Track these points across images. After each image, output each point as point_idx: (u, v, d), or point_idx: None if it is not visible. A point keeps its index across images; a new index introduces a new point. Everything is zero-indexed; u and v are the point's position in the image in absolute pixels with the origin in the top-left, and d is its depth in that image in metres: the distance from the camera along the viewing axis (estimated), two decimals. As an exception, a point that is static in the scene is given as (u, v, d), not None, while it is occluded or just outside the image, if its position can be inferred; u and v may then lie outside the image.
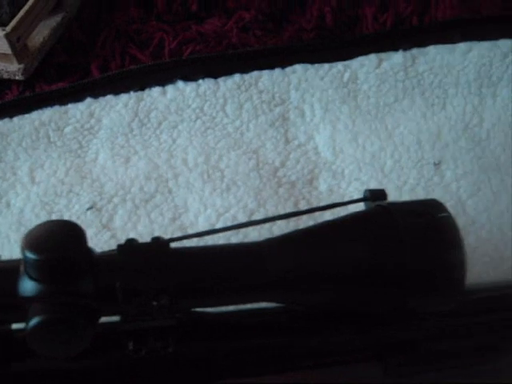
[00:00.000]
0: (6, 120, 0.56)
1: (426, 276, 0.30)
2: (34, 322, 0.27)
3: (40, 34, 0.63)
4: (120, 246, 0.29)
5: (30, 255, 0.27)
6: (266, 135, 0.55)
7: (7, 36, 0.58)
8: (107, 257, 0.30)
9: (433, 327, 0.35)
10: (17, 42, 0.59)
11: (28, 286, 0.28)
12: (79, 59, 0.63)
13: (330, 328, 0.34)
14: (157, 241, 0.30)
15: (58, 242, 0.28)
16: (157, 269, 0.29)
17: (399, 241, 0.30)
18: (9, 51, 0.59)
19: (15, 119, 0.56)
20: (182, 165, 0.54)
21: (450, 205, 0.51)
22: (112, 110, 0.56)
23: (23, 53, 0.61)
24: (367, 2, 0.67)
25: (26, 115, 0.57)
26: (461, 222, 0.51)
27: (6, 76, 0.61)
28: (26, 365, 0.31)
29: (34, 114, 0.57)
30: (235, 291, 0.30)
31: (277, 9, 0.66)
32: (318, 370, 0.34)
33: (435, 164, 0.55)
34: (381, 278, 0.30)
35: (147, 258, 0.29)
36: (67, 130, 0.56)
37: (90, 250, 0.29)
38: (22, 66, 0.61)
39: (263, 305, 0.33)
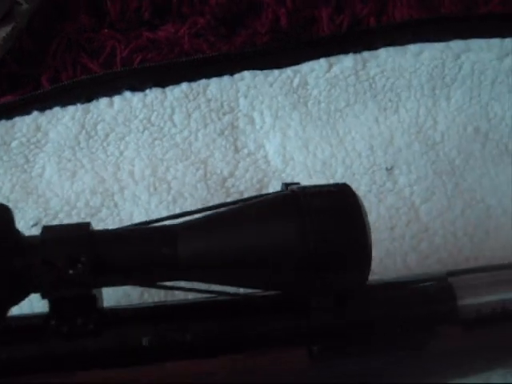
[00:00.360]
0: (-48, 135, 0.55)
1: (330, 257, 0.32)
2: None
3: (-10, 46, 0.61)
4: (44, 227, 0.33)
5: None
6: (214, 144, 0.54)
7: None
8: (32, 237, 0.33)
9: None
10: (-36, 55, 0.58)
11: None
12: (30, 70, 0.62)
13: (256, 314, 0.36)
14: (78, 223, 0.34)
15: None
16: (73, 241, 0.32)
17: (302, 223, 0.32)
18: (-44, 64, 0.58)
19: (-40, 134, 0.55)
20: (128, 177, 0.53)
21: (402, 211, 0.50)
22: (59, 123, 0.55)
23: (-29, 65, 0.59)
24: (323, 3, 0.65)
25: (-29, 130, 0.55)
26: (414, 228, 0.50)
27: (-46, 89, 0.60)
28: None
29: (-20, 129, 0.55)
30: (146, 270, 0.33)
31: (231, 13, 0.64)
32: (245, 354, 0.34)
33: (387, 169, 0.53)
34: (286, 261, 0.32)
35: (65, 233, 0.32)
36: (13, 144, 0.55)
37: (17, 231, 0.33)
38: (-30, 78, 0.59)
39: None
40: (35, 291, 0.33)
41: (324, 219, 0.32)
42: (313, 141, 0.54)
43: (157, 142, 0.54)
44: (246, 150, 0.54)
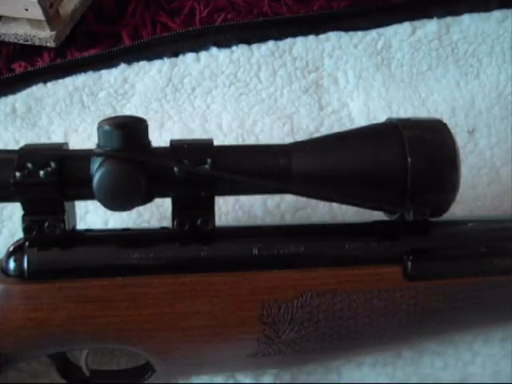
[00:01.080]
0: (40, 85, 0.56)
1: (424, 178, 0.37)
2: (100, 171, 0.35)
3: (71, 2, 0.62)
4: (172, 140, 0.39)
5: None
6: (299, 101, 0.55)
7: (40, 2, 0.57)
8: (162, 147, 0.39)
9: None
10: (49, 8, 0.59)
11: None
12: (110, 28, 0.63)
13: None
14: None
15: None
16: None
17: (402, 146, 0.37)
18: (41, 17, 0.59)
19: (49, 84, 0.56)
20: (216, 129, 0.54)
21: (483, 172, 0.51)
22: (146, 76, 0.56)
23: (55, 19, 0.60)
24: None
25: (60, 80, 0.56)
26: (495, 189, 0.51)
27: (37, 42, 0.61)
28: None
29: (68, 80, 0.56)
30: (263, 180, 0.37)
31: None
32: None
33: (469, 132, 0.54)
34: (385, 178, 0.37)
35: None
36: (101, 95, 0.56)
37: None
38: (53, 32, 0.60)
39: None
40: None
41: (420, 145, 0.37)
42: (395, 101, 0.55)
43: (243, 97, 0.55)
44: (330, 108, 0.55)
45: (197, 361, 0.39)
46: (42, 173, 0.36)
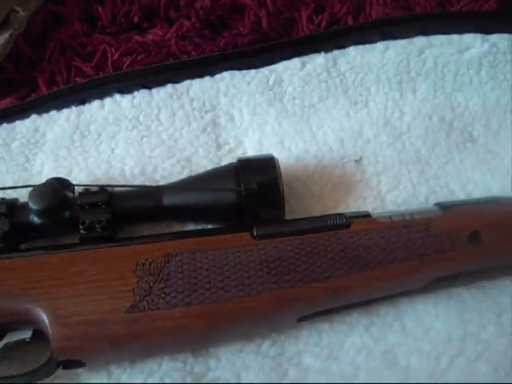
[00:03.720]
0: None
1: (256, 203, 0.48)
2: None
3: (-10, 52, 0.64)
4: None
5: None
6: (198, 141, 0.57)
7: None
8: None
9: None
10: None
11: None
12: (27, 74, 0.65)
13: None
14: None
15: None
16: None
17: (237, 181, 0.48)
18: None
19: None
20: (120, 176, 0.56)
21: (369, 201, 0.53)
22: (55, 124, 0.58)
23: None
24: (303, 4, 0.67)
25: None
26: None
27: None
28: None
29: (-16, 133, 0.58)
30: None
31: (215, 16, 0.66)
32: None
33: (356, 161, 0.56)
34: (228, 208, 0.49)
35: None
36: (14, 145, 0.58)
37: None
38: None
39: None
40: None
41: (251, 177, 0.48)
42: (288, 136, 0.56)
43: (145, 140, 0.57)
44: (227, 147, 0.56)
45: (83, 317, 0.44)
46: None
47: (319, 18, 0.66)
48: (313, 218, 0.49)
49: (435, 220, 0.49)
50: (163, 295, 0.45)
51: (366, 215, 0.49)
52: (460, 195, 0.55)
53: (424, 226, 0.48)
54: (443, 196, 0.54)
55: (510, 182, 0.55)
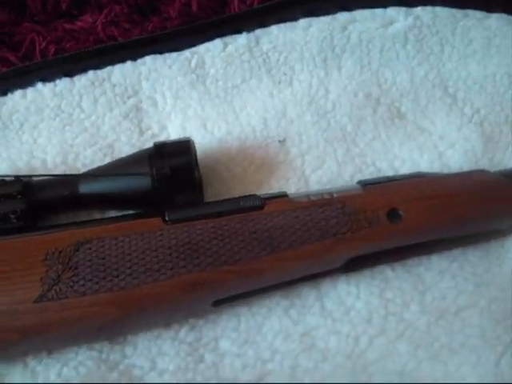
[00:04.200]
0: None
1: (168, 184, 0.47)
2: None
3: None
4: None
5: None
6: (120, 127, 0.55)
7: None
8: None
9: None
10: None
11: None
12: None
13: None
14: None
15: None
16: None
17: (151, 167, 0.47)
18: None
19: None
20: (41, 166, 0.55)
21: (292, 181, 0.51)
22: (-23, 116, 0.57)
23: None
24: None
25: None
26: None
27: None
28: None
29: None
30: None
31: (145, 0, 0.65)
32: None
33: (280, 142, 0.54)
34: (144, 192, 0.48)
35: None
36: None
37: None
38: None
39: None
40: None
41: (165, 161, 0.47)
42: (211, 119, 0.55)
43: (67, 128, 0.55)
44: (150, 132, 0.55)
45: None
46: None
47: (250, -2, 0.64)
48: (227, 200, 0.48)
49: (353, 198, 0.48)
50: (71, 284, 0.44)
51: (283, 195, 0.48)
52: (388, 172, 0.53)
53: (340, 205, 0.47)
54: (369, 174, 0.53)
55: (438, 157, 0.54)
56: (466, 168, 0.53)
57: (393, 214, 0.47)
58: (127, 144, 0.54)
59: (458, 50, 0.56)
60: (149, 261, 0.45)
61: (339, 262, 0.47)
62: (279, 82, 0.56)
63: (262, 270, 0.45)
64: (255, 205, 0.47)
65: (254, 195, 0.47)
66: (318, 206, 0.47)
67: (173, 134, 0.55)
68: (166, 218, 0.46)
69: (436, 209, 0.48)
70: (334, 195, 0.48)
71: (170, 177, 0.47)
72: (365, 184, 0.49)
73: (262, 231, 0.46)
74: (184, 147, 0.48)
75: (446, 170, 0.53)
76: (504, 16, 0.57)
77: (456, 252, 0.50)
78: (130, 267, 0.45)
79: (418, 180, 0.49)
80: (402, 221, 0.47)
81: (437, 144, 0.54)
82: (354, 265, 0.48)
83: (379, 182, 0.50)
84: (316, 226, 0.46)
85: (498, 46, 0.57)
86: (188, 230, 0.46)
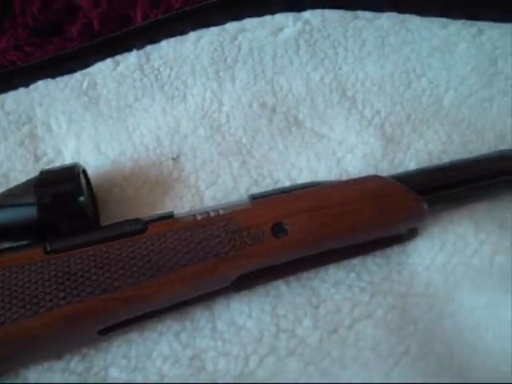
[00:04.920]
0: None
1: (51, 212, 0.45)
2: None
3: None
4: None
5: None
6: (15, 155, 0.54)
7: None
8: None
9: None
10: None
11: None
12: None
13: None
14: None
15: None
16: None
17: (37, 195, 0.46)
18: None
19: None
20: None
21: (186, 199, 0.50)
22: None
23: None
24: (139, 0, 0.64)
25: None
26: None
27: None
28: None
29: None
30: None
31: (46, 21, 0.64)
32: None
33: (173, 159, 0.53)
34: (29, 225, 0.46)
35: None
36: None
37: None
38: None
39: None
40: None
41: (49, 189, 0.45)
42: (104, 141, 0.54)
43: (-37, 161, 0.55)
44: (45, 158, 0.54)
45: None
46: None
47: (154, 12, 0.63)
48: (111, 225, 0.47)
49: (238, 214, 0.46)
50: None
51: (169, 216, 0.47)
52: (285, 183, 0.52)
53: (223, 223, 0.46)
54: (266, 186, 0.52)
55: (336, 164, 0.52)
56: (364, 173, 0.51)
57: (278, 229, 0.46)
58: (22, 172, 0.54)
59: (352, 52, 0.55)
60: (28, 294, 0.44)
61: (227, 281, 0.46)
62: (172, 98, 0.54)
63: (144, 295, 0.44)
64: (136, 229, 0.46)
65: (137, 219, 0.46)
66: (200, 225, 0.46)
67: (68, 158, 0.54)
68: (48, 249, 0.45)
69: (324, 219, 0.46)
70: (221, 212, 0.47)
71: (54, 205, 0.45)
72: (254, 198, 0.48)
73: (141, 256, 0.45)
74: (68, 174, 0.47)
75: (344, 176, 0.52)
76: (394, 15, 0.55)
77: (355, 261, 0.49)
78: (10, 301, 0.44)
79: (307, 191, 0.48)
80: (288, 235, 0.46)
81: (335, 150, 0.53)
82: (246, 282, 0.47)
83: (269, 195, 0.48)
84: (197, 246, 0.45)
85: (392, 44, 0.55)
86: (68, 259, 0.45)
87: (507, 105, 0.55)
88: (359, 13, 0.56)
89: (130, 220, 0.47)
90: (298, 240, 0.46)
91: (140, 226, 0.46)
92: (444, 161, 0.53)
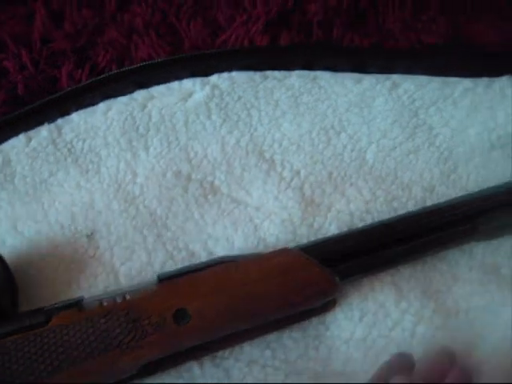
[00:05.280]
0: None
1: None
2: None
3: None
4: None
5: None
6: None
7: None
8: None
9: None
10: None
11: None
12: None
13: None
14: None
15: None
16: None
17: None
18: None
19: None
20: None
21: (101, 278, 0.49)
22: None
23: None
24: (65, 59, 0.63)
25: None
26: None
27: None
28: None
29: None
30: None
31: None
32: None
33: (88, 236, 0.52)
34: None
35: None
36: None
37: None
38: None
39: None
40: None
41: None
42: (21, 219, 0.53)
43: None
44: (-39, 241, 0.54)
45: None
46: None
47: (79, 72, 0.61)
48: (16, 316, 0.46)
49: (140, 301, 0.45)
50: None
51: (77, 303, 0.46)
52: (201, 255, 0.51)
53: (124, 311, 0.45)
54: (181, 260, 0.50)
55: (254, 231, 0.51)
56: (282, 240, 0.50)
57: (180, 315, 0.45)
58: None
59: (266, 113, 0.53)
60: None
61: (132, 370, 0.45)
62: (87, 171, 0.53)
63: None
64: (39, 321, 0.45)
65: (41, 309, 0.46)
66: (102, 315, 0.45)
67: (-17, 241, 0.53)
68: None
69: (228, 302, 0.45)
70: (127, 297, 0.46)
71: None
72: (162, 279, 0.47)
73: (43, 350, 0.44)
74: None
75: (261, 244, 0.50)
76: (305, 72, 0.53)
77: (271, 337, 0.47)
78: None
79: (212, 271, 0.47)
80: (191, 320, 0.44)
81: (252, 216, 0.51)
82: (155, 367, 0.46)
83: (177, 275, 0.47)
84: (99, 338, 0.44)
85: (306, 103, 0.53)
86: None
87: (434, 155, 0.52)
88: (268, 73, 0.54)
89: (34, 311, 0.46)
90: (201, 326, 0.45)
91: (43, 318, 0.45)
92: (367, 221, 0.50)
